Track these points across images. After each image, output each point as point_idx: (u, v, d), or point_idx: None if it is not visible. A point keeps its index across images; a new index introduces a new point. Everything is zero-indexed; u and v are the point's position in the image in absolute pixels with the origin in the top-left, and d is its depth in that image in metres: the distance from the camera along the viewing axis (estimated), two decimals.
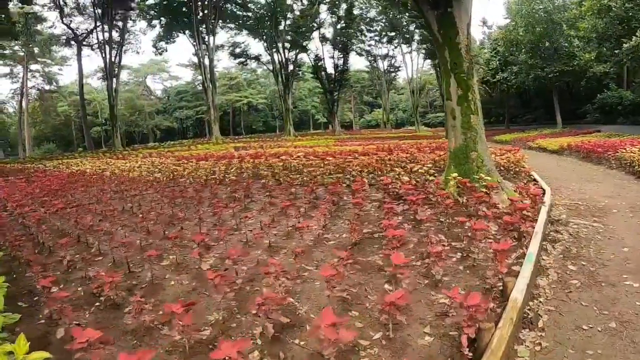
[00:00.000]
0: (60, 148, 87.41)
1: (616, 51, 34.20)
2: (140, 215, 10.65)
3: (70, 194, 15.69)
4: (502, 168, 14.67)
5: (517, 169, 14.41)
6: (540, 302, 5.14)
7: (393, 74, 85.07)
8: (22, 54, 73.55)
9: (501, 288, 4.98)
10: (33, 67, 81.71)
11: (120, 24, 61.46)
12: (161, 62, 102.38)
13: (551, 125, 48.09)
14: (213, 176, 17.57)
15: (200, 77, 64.11)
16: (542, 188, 11.34)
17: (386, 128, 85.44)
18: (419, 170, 12.22)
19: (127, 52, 67.55)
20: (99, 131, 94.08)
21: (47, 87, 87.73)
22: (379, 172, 13.54)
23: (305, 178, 14.54)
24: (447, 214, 8.22)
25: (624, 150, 16.99)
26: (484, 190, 9.06)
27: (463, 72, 10.60)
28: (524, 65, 47.81)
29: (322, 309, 4.37)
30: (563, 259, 6.54)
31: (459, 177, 9.91)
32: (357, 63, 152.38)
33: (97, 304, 5.56)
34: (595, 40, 38.84)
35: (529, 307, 4.94)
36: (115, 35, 60.91)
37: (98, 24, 59.78)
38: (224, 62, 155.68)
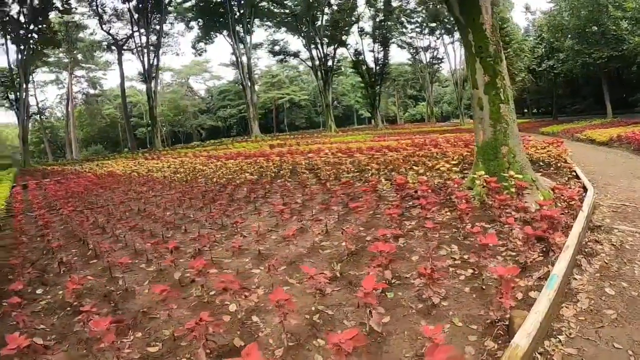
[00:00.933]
0: (107, 149, 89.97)
1: None
2: (147, 218, 10.76)
3: (94, 195, 16.36)
4: (541, 163, 13.40)
5: (559, 164, 12.98)
6: (559, 341, 3.94)
7: (436, 66, 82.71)
8: (66, 60, 76.47)
9: (507, 323, 3.94)
10: (78, 72, 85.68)
11: (156, 27, 62.05)
12: (203, 62, 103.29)
13: (601, 115, 45.34)
14: (232, 175, 16.92)
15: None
16: (583, 186, 10.03)
17: (430, 122, 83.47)
18: (441, 168, 11.05)
19: (167, 54, 68.75)
20: (144, 132, 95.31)
21: (92, 91, 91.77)
22: (398, 171, 12.47)
23: (323, 176, 13.69)
24: (463, 220, 7.08)
25: None
26: (513, 190, 7.91)
27: (489, 56, 9.41)
28: (571, 52, 45.35)
29: (283, 334, 4.07)
30: (600, 278, 5.30)
31: (485, 176, 8.74)
32: (399, 56, 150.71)
33: (68, 309, 5.52)
34: None
35: (542, 351, 3.77)
36: (152, 38, 61.85)
37: (135, 28, 61.00)
38: (265, 61, 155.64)
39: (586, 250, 6.19)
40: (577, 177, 11.72)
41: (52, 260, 8.00)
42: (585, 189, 9.67)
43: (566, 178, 11.44)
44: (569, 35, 45.03)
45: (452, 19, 45.76)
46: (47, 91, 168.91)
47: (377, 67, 68.52)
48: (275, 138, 53.95)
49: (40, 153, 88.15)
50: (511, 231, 6.34)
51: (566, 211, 7.02)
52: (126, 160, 38.02)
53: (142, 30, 60.43)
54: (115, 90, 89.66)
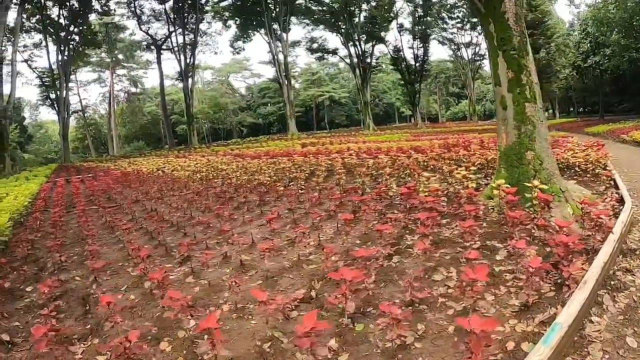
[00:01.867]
0: (150, 145, 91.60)
1: None
2: (153, 220, 10.47)
3: (113, 193, 16.73)
4: (577, 169, 12.21)
5: (596, 170, 11.76)
6: None
7: (478, 63, 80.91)
8: (108, 60, 78.09)
9: None
10: (119, 71, 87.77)
11: (193, 27, 62.79)
12: (243, 60, 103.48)
13: None
14: (249, 177, 16.29)
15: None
16: (621, 198, 8.86)
17: (472, 120, 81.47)
18: (456, 175, 10.00)
19: (206, 52, 69.59)
20: (184, 129, 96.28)
21: (133, 90, 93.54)
22: (413, 177, 11.55)
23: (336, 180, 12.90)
24: (466, 238, 6.16)
25: None
26: (536, 203, 6.90)
27: (513, 49, 8.37)
28: (617, 47, 43.44)
29: None
30: (623, 323, 4.23)
31: (505, 185, 7.71)
32: (440, 52, 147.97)
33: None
34: None
35: None
36: (190, 38, 62.84)
37: (172, 29, 61.87)
38: (305, 58, 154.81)
39: (612, 283, 5.12)
40: (616, 186, 10.49)
41: (35, 261, 8.24)
42: (623, 201, 8.53)
43: (604, 187, 10.23)
44: (615, 29, 42.90)
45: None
46: (90, 89, 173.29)
47: (417, 64, 67.11)
48: (311, 136, 53.35)
49: (84, 149, 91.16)
50: (521, 257, 5.35)
51: (594, 232, 5.95)
52: (158, 157, 38.78)
53: (180, 30, 61.34)
54: (156, 89, 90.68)
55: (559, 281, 4.75)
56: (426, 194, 8.65)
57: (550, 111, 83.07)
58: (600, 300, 4.62)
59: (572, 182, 11.02)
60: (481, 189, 9.62)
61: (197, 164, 24.41)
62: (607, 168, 12.39)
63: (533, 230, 6.46)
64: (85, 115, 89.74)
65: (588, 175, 11.76)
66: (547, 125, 8.73)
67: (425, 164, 13.42)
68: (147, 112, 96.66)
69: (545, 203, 6.80)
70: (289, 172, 16.01)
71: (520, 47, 8.37)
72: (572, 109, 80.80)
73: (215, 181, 16.82)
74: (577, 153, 13.78)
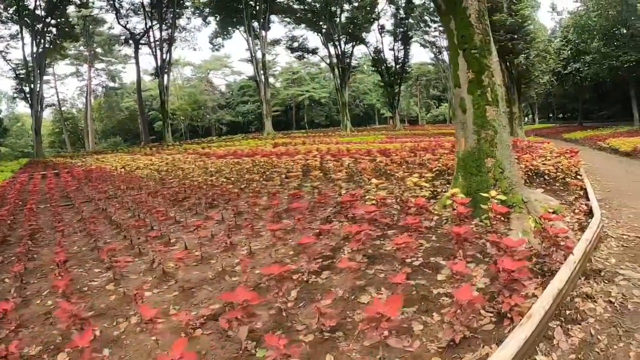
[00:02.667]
0: (128, 141, 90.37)
1: None
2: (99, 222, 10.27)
3: (70, 192, 16.23)
4: (546, 177, 11.61)
5: (567, 179, 11.15)
6: None
7: None
8: (86, 54, 76.99)
9: None
10: (98, 65, 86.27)
11: (171, 22, 61.76)
12: (223, 58, 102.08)
13: (628, 123, 43.41)
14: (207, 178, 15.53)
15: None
16: (591, 210, 8.23)
17: (452, 123, 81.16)
18: (409, 182, 9.25)
19: (185, 48, 68.79)
20: (161, 125, 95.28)
21: (111, 84, 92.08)
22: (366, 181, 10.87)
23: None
24: (406, 254, 5.39)
25: None
26: (492, 215, 6.23)
27: (474, 48, 7.70)
28: (597, 54, 43.44)
29: None
30: None
31: (459, 195, 7.04)
32: (422, 55, 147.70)
33: None
34: None
35: None
36: (168, 33, 61.81)
37: (150, 23, 61.07)
38: (286, 57, 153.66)
39: (568, 312, 4.44)
40: (587, 196, 9.87)
41: None
42: (591, 213, 7.91)
43: (574, 197, 9.61)
44: (596, 37, 43.16)
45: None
46: (67, 83, 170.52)
47: (397, 66, 66.53)
48: (287, 136, 52.81)
49: (61, 143, 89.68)
50: (465, 278, 4.66)
51: (553, 251, 5.28)
52: (126, 154, 38.30)
53: (158, 25, 60.49)
54: (135, 84, 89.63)
55: (501, 313, 4.06)
56: (373, 202, 7.93)
57: (530, 116, 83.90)
58: (551, 335, 3.96)
59: (540, 191, 10.42)
60: (439, 196, 8.95)
61: (161, 162, 23.92)
62: (580, 176, 11.85)
63: (486, 246, 5.78)
64: (62, 109, 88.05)
65: (558, 184, 11.18)
66: (509, 131, 8.11)
67: (383, 169, 12.85)
68: (124, 108, 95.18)
69: (501, 215, 6.14)
70: (249, 173, 15.35)
71: (482, 46, 7.71)
72: (551, 114, 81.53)
73: (172, 181, 16.14)
74: (548, 160, 13.22)
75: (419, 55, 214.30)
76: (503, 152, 7.63)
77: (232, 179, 14.59)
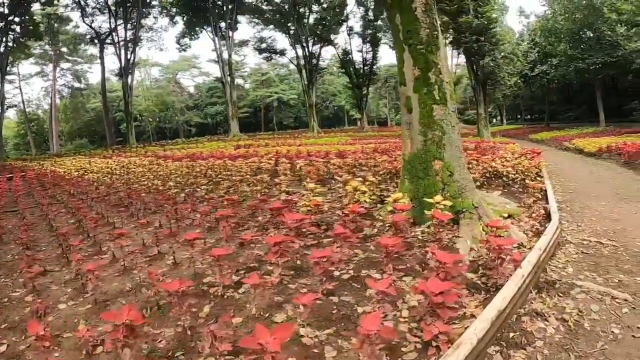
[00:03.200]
0: (94, 143, 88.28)
1: None
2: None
3: (17, 197, 15.27)
4: (505, 179, 11.17)
5: (526, 181, 10.70)
6: None
7: None
8: (51, 53, 74.87)
9: None
10: (63, 65, 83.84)
11: (135, 22, 60.26)
12: (191, 58, 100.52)
13: (595, 124, 43.72)
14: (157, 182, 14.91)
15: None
16: (549, 213, 7.75)
17: None
18: (347, 187, 8.61)
19: (152, 48, 67.76)
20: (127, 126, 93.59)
21: (77, 85, 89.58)
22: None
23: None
24: (337, 266, 4.86)
25: None
26: (435, 222, 5.68)
27: (420, 43, 7.15)
28: (564, 57, 43.83)
29: None
30: None
31: (402, 201, 6.49)
32: (391, 57, 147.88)
33: None
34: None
35: None
36: (133, 32, 60.12)
37: (116, 22, 59.24)
38: (256, 59, 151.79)
39: (512, 335, 3.89)
40: (547, 198, 9.40)
41: None
42: (549, 217, 7.45)
43: (533, 199, 9.13)
44: (563, 40, 43.49)
45: (447, 20, 44.03)
46: (32, 83, 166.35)
47: (365, 68, 66.22)
48: (252, 138, 52.06)
49: (26, 145, 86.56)
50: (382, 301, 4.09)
51: (498, 265, 4.74)
52: (84, 157, 37.51)
53: (124, 25, 58.85)
54: (107, 84, 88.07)
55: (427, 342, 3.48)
56: (309, 208, 7.32)
57: (499, 118, 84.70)
58: None
59: (497, 194, 9.96)
60: (387, 200, 8.39)
61: (116, 166, 23.21)
62: (540, 177, 11.48)
63: (427, 257, 5.23)
64: (27, 110, 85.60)
65: (517, 186, 10.75)
66: (459, 131, 7.56)
67: (331, 172, 12.29)
68: (91, 109, 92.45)
69: (450, 222, 5.61)
70: (199, 177, 14.76)
71: (429, 41, 7.17)
72: (519, 116, 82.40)
73: (120, 186, 15.45)
74: (508, 161, 12.82)
75: (389, 57, 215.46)
76: (452, 153, 7.10)
77: (182, 183, 13.96)
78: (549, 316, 4.25)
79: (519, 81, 53.20)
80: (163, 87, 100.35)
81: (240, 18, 63.53)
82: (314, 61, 64.04)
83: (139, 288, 5.50)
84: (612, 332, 4.01)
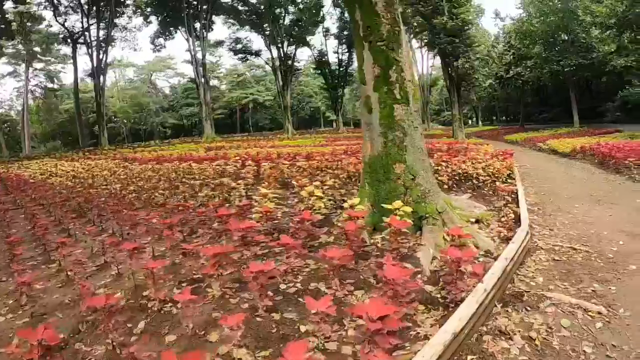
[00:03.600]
0: (68, 145, 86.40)
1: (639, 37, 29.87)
2: None
3: None
4: (475, 181, 10.86)
5: (498, 182, 10.37)
6: None
7: None
8: (24, 52, 73.28)
9: None
10: (37, 65, 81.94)
11: (108, 21, 59.27)
12: (167, 59, 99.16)
13: (569, 125, 43.95)
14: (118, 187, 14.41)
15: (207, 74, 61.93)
16: (519, 218, 7.37)
17: None
18: (302, 192, 8.14)
19: (125, 48, 66.70)
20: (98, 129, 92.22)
21: (50, 85, 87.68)
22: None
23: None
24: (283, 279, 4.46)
25: None
26: (394, 229, 5.27)
27: (381, 39, 6.75)
28: (539, 59, 44.17)
29: None
30: None
31: (360, 207, 6.09)
32: None
33: None
34: (614, 26, 34.37)
35: None
36: (105, 32, 59.14)
37: (89, 21, 58.24)
38: (231, 60, 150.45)
39: (470, 359, 3.51)
40: (517, 201, 9.04)
41: None
42: (518, 222, 7.09)
43: (503, 202, 8.78)
44: (538, 42, 43.84)
45: (422, 21, 43.75)
46: (5, 83, 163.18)
47: (341, 69, 66.02)
48: (225, 140, 51.50)
49: None
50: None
51: (456, 279, 4.34)
52: (55, 160, 36.67)
53: (91, 23, 57.97)
54: (81, 84, 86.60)
55: None
56: (261, 215, 6.86)
57: (474, 119, 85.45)
58: None
59: (466, 197, 9.63)
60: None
61: (82, 169, 22.74)
62: (512, 179, 11.19)
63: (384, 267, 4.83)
64: None
65: (487, 189, 10.41)
66: (423, 131, 7.16)
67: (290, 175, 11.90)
68: (64, 110, 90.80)
69: (400, 230, 5.20)
70: (163, 180, 14.23)
71: (390, 38, 6.77)
72: (495, 117, 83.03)
73: (82, 190, 14.84)
74: (480, 162, 12.52)
75: None
76: (415, 156, 6.71)
77: (143, 187, 13.45)
78: (514, 334, 3.88)
79: (494, 83, 53.60)
80: (138, 88, 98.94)
81: (216, 19, 63.14)
82: (289, 62, 63.66)
83: (78, 301, 5.09)
84: (584, 351, 3.66)
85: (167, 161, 20.78)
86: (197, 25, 59.27)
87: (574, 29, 40.36)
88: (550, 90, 57.32)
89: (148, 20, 63.77)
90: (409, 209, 5.86)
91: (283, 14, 61.19)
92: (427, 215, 6.35)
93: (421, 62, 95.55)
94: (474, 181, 10.84)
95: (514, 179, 11.64)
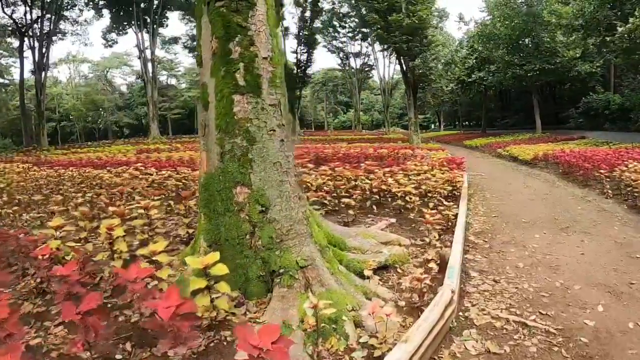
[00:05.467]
0: (20, 144, 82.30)
1: (608, 38, 28.51)
2: None
3: None
4: (401, 202, 8.48)
5: (432, 205, 7.81)
6: None
7: (366, 73, 79.46)
8: None
9: None
10: None
11: (58, 13, 56.82)
12: (123, 55, 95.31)
13: (531, 130, 43.20)
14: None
15: (164, 72, 59.19)
16: (445, 265, 5.05)
17: (356, 129, 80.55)
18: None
19: (76, 43, 63.45)
20: (53, 127, 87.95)
21: (0, 80, 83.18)
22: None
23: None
24: None
25: (625, 168, 11.02)
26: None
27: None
28: (502, 63, 42.99)
29: None
30: None
31: (183, 252, 3.76)
32: (330, 61, 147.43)
33: None
34: (580, 29, 33.51)
35: None
36: (59, 26, 57.26)
37: (35, 13, 55.18)
38: (190, 58, 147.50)
39: None
40: (453, 233, 6.61)
41: None
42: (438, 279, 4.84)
43: (435, 233, 6.40)
44: (501, 46, 42.83)
45: (377, 18, 41.71)
46: None
47: (300, 70, 63.89)
48: (172, 141, 48.17)
49: None
50: None
51: None
52: None
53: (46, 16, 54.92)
54: (30, 80, 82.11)
55: None
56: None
57: (437, 124, 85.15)
58: None
59: (383, 225, 7.33)
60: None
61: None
62: (456, 196, 9.00)
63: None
64: None
65: (415, 213, 7.89)
66: (290, 137, 4.61)
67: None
68: (14, 107, 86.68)
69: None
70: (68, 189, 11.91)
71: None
72: (457, 122, 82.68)
73: None
74: (417, 174, 10.29)
75: (327, 60, 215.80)
76: (267, 175, 4.26)
77: (36, 199, 11.04)
78: None
79: (456, 88, 52.53)
80: (91, 85, 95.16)
81: (171, 14, 60.52)
82: None
83: None
84: None
85: (88, 165, 18.72)
86: (148, 19, 56.53)
87: (538, 32, 39.56)
88: (513, 96, 56.84)
89: (100, 13, 60.68)
90: (197, 261, 3.46)
91: None
92: (281, 270, 4.01)
93: (383, 65, 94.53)
94: (401, 202, 8.39)
95: (459, 195, 9.44)
